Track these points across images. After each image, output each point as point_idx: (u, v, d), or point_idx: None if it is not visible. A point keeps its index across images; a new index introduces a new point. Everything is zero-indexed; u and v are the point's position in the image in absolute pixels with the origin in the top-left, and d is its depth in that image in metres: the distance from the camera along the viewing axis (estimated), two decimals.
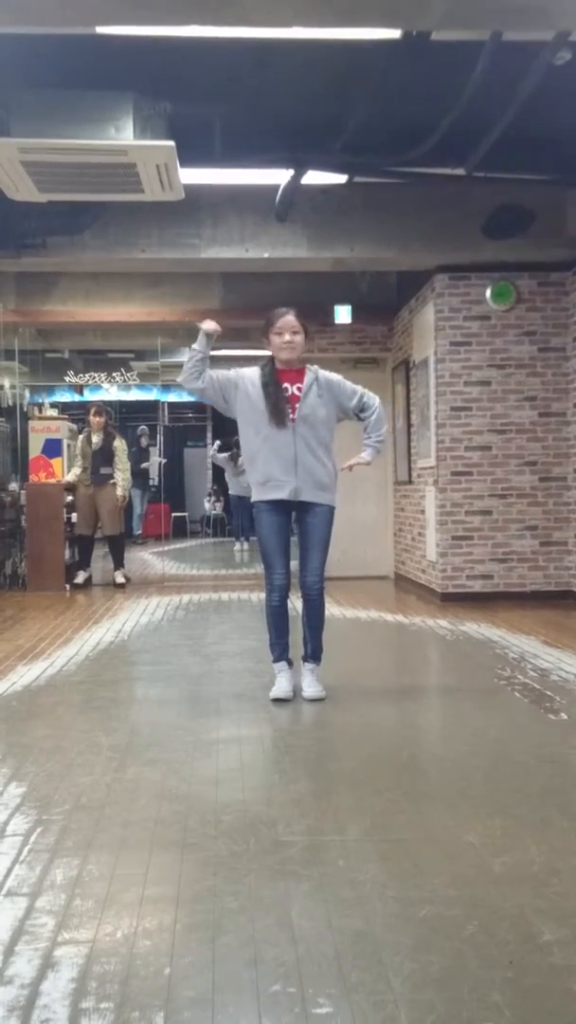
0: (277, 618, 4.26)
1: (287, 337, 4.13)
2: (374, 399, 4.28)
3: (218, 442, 14.24)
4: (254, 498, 4.22)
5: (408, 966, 1.86)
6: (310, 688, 4.19)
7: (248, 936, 2.00)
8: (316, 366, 4.28)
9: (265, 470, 4.14)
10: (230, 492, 14.04)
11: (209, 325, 4.23)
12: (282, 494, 4.12)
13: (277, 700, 4.14)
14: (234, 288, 8.86)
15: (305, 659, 4.27)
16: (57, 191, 5.58)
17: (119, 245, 6.82)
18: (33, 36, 4.43)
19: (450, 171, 6.11)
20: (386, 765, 3.26)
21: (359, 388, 4.28)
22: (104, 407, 9.51)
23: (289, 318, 4.16)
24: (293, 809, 2.79)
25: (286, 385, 4.14)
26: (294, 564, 4.26)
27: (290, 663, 4.28)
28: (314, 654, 4.26)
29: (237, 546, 13.57)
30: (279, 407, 4.09)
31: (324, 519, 4.20)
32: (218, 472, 18.11)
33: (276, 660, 4.27)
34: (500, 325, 7.55)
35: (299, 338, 4.15)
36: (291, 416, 4.09)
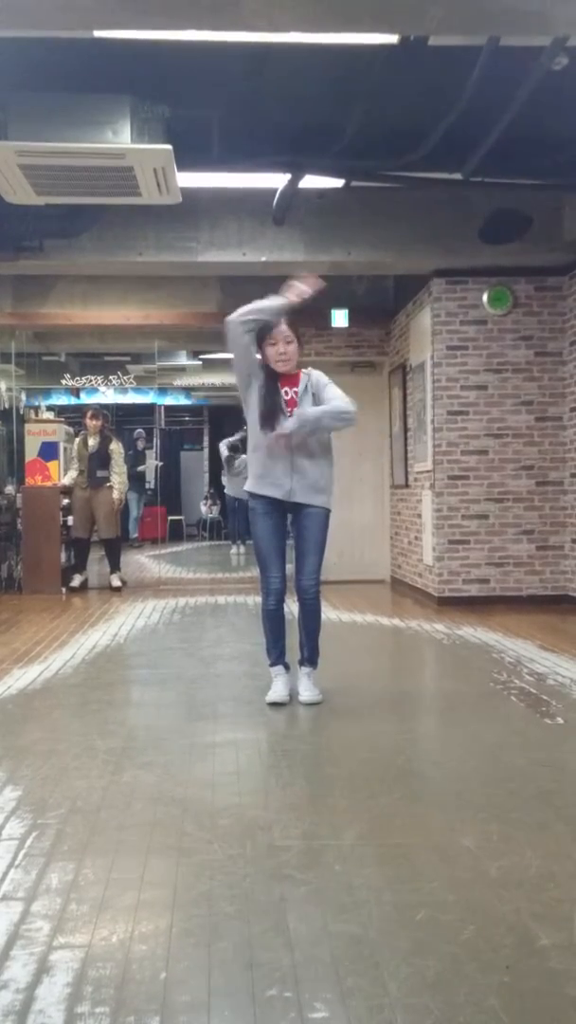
0: (273, 622, 4.26)
1: (281, 348, 4.06)
2: (348, 406, 4.10)
3: (227, 441, 14.12)
4: (248, 486, 4.21)
5: (404, 970, 1.86)
6: (307, 692, 4.19)
7: (244, 940, 1.99)
8: (310, 368, 4.27)
9: (264, 465, 4.13)
10: (226, 493, 14.03)
11: (305, 287, 4.03)
12: (276, 493, 4.12)
13: (273, 704, 4.13)
14: (232, 292, 8.84)
15: (301, 663, 4.27)
16: (54, 194, 5.58)
17: (116, 248, 6.82)
18: (31, 39, 4.43)
19: (447, 176, 6.12)
20: (382, 769, 3.26)
21: (339, 394, 4.14)
22: (100, 410, 9.51)
23: (282, 327, 4.07)
24: (289, 813, 2.79)
25: (285, 389, 4.13)
26: (290, 568, 4.26)
27: (287, 667, 4.27)
28: (310, 658, 4.25)
29: (233, 549, 13.56)
30: (268, 415, 4.08)
31: (319, 521, 4.19)
32: (215, 475, 18.13)
33: (273, 664, 4.26)
34: (497, 329, 7.56)
35: (292, 347, 4.08)
36: (288, 418, 4.08)
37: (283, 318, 4.11)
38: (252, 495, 4.20)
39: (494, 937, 1.99)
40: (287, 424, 4.05)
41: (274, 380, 4.13)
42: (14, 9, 3.50)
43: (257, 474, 4.17)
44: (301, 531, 4.21)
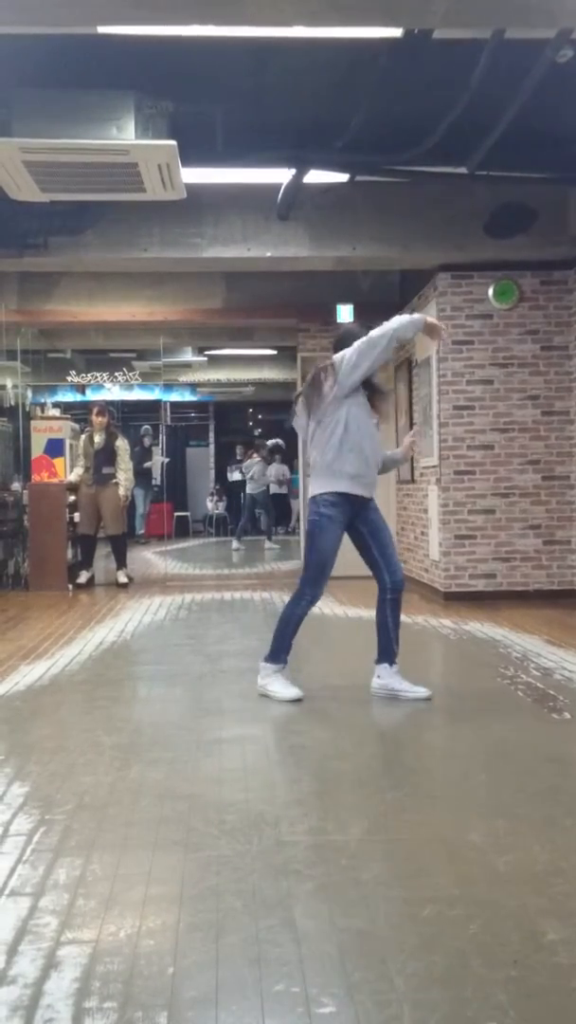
0: (297, 626, 4.23)
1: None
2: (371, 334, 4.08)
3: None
4: (340, 487, 4.09)
5: (412, 965, 1.86)
6: (412, 689, 4.16)
7: (251, 935, 2.00)
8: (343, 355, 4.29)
9: (360, 463, 4.11)
10: (247, 491, 14.03)
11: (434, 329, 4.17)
12: (367, 492, 4.18)
13: (297, 700, 4.10)
14: (236, 287, 8.86)
15: (391, 662, 4.22)
16: (59, 191, 5.58)
17: (121, 245, 6.82)
18: (35, 36, 4.43)
19: (452, 170, 6.11)
20: (389, 765, 3.26)
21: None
22: (106, 407, 9.50)
23: None
24: (296, 808, 2.79)
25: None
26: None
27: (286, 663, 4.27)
28: (394, 650, 4.25)
29: (235, 545, 13.58)
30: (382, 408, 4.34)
31: (380, 512, 4.32)
32: (220, 472, 18.17)
33: (283, 663, 4.23)
34: (502, 324, 7.54)
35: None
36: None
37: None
38: (340, 495, 4.10)
39: (501, 932, 1.99)
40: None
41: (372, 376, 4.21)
42: (18, 5, 3.50)
43: (351, 474, 4.09)
44: (373, 526, 4.23)
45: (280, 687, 4.18)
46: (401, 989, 1.77)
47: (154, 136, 4.93)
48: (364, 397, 4.16)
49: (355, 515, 4.19)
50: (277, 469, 15.63)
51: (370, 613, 6.90)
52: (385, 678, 4.20)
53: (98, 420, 9.16)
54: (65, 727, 3.87)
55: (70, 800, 2.89)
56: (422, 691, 4.14)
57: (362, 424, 4.13)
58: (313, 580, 4.22)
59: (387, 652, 4.23)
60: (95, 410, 9.31)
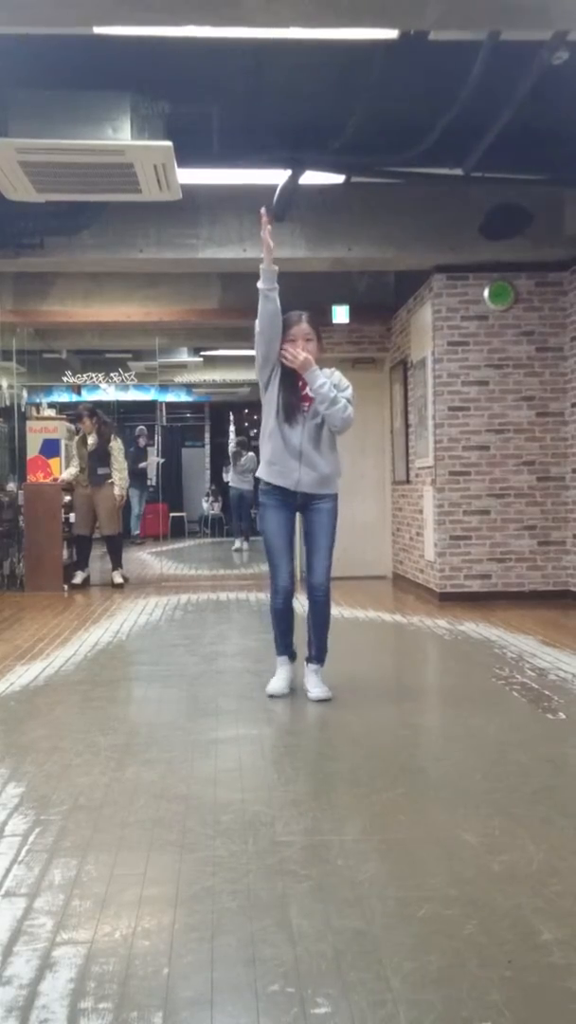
0: (281, 620, 4.27)
1: (300, 345, 4.09)
2: (350, 415, 4.12)
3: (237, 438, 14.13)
4: (259, 472, 4.24)
5: (407, 965, 1.86)
6: (315, 689, 4.19)
7: (247, 936, 2.00)
8: (333, 369, 4.25)
9: (274, 452, 4.14)
10: (230, 486, 14.02)
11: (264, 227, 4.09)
12: (285, 482, 4.12)
13: (273, 696, 4.14)
14: (232, 288, 8.85)
15: (309, 660, 4.27)
16: (55, 191, 5.57)
17: (117, 245, 6.82)
18: (31, 36, 4.43)
19: (448, 171, 6.11)
20: (384, 765, 3.26)
21: (347, 395, 4.15)
22: (93, 409, 9.39)
23: (303, 326, 4.11)
24: (292, 809, 2.79)
25: (303, 383, 4.14)
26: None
27: (292, 656, 4.32)
28: (318, 656, 4.26)
29: (236, 545, 13.57)
30: (290, 405, 4.10)
31: (327, 517, 4.18)
32: (216, 472, 18.16)
33: (280, 653, 4.31)
34: (498, 325, 7.55)
35: (312, 345, 4.10)
36: (304, 412, 4.10)
37: (304, 316, 4.13)
38: (262, 484, 4.21)
39: (496, 932, 2.00)
40: (315, 373, 4.02)
41: (293, 373, 4.13)
42: (14, 6, 3.50)
43: (267, 460, 4.18)
44: (310, 527, 4.20)
45: (271, 681, 4.24)
46: (396, 989, 1.78)
47: (150, 137, 4.93)
48: (281, 390, 4.12)
49: (300, 507, 4.20)
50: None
51: (367, 614, 6.94)
52: (306, 676, 4.26)
53: (86, 423, 9.11)
54: (61, 727, 3.87)
55: (66, 800, 2.89)
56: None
57: (269, 414, 4.13)
58: (270, 568, 4.25)
59: (308, 649, 4.29)
60: (80, 415, 9.24)
